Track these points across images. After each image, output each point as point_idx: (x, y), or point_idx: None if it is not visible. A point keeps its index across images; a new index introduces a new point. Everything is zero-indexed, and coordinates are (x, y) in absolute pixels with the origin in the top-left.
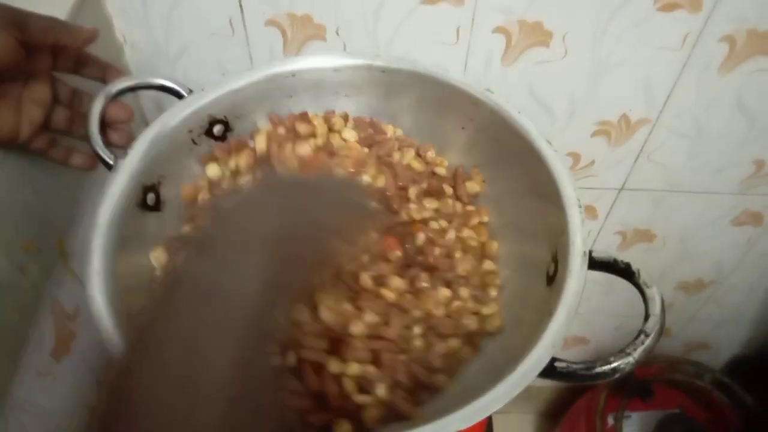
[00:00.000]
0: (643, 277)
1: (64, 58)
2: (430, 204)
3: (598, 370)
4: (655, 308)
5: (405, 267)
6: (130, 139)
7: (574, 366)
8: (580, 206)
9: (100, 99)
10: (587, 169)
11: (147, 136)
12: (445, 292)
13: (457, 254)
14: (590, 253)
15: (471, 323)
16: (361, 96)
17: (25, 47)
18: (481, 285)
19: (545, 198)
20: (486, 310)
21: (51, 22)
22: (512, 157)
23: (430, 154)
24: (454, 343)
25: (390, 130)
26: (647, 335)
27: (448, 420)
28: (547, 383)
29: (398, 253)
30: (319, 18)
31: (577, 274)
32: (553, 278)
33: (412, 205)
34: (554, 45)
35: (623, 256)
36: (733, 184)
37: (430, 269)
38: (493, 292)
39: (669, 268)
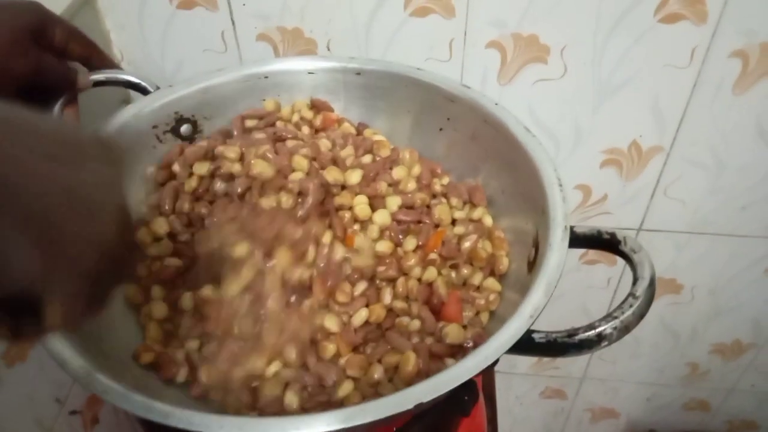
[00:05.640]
0: (630, 244)
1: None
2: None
3: (582, 336)
4: (644, 271)
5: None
6: None
7: (554, 334)
8: (560, 185)
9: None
10: (600, 205)
11: (112, 125)
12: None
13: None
14: (572, 228)
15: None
16: (337, 102)
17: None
18: (483, 307)
19: (528, 188)
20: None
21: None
22: (491, 153)
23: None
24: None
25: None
26: (636, 297)
27: (410, 392)
28: None
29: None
30: (309, 32)
31: (557, 248)
32: (533, 263)
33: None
34: (552, 61)
35: (648, 311)
36: (762, 225)
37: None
38: (485, 318)
39: (701, 325)
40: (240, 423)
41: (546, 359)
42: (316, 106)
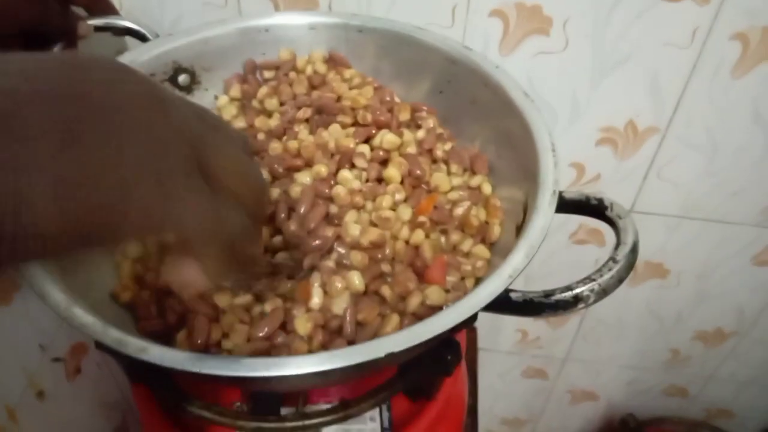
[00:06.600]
0: (617, 210)
1: None
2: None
3: (558, 297)
4: (627, 237)
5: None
6: None
7: (531, 294)
8: (553, 150)
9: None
10: (592, 184)
11: None
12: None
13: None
14: (560, 193)
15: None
16: None
17: None
18: (469, 273)
19: (522, 153)
20: (449, 298)
21: None
22: (490, 118)
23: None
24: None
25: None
26: (616, 262)
27: (382, 341)
28: None
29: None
30: None
31: (543, 212)
32: (521, 227)
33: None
34: (554, 33)
35: (633, 293)
36: (753, 213)
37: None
38: (470, 284)
39: (685, 311)
40: (214, 361)
41: (530, 338)
42: (334, 60)
